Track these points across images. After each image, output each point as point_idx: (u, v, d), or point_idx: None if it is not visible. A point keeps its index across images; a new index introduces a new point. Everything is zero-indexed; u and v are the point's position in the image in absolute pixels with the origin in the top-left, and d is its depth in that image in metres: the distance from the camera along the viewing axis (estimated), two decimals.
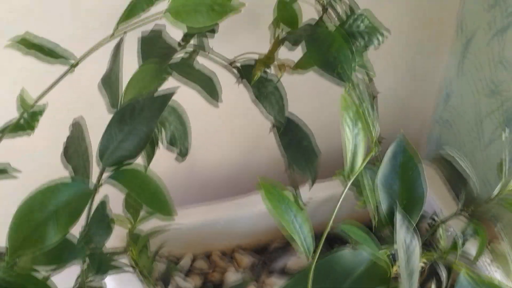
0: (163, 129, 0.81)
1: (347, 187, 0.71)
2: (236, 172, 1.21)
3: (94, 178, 0.74)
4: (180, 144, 0.82)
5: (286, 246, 1.15)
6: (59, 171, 0.75)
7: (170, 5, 0.72)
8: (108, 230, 0.74)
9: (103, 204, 0.74)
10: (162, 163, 0.84)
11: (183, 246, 1.10)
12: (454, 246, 1.02)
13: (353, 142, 0.71)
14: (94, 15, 0.99)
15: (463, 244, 1.00)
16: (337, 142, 1.22)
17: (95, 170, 0.74)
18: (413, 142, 1.31)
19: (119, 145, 0.73)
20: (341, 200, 0.71)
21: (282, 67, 0.87)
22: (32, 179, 0.73)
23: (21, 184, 0.76)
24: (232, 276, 1.10)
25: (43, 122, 0.79)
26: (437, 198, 1.11)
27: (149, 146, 0.84)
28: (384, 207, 0.75)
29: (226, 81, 0.89)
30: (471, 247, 1.03)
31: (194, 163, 1.17)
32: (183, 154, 0.83)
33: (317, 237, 1.15)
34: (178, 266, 1.10)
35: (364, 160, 0.72)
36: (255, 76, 0.87)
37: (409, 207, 0.76)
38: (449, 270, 1.03)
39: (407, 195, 0.76)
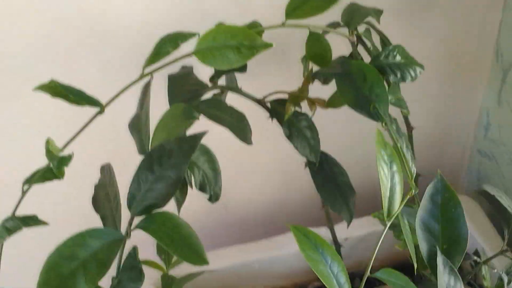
0: (192, 173, 0.78)
1: (385, 231, 0.68)
2: (271, 211, 1.19)
3: (123, 225, 0.73)
4: (211, 189, 0.80)
5: (323, 286, 1.12)
6: (91, 221, 0.73)
7: (196, 48, 0.70)
8: (139, 278, 0.72)
9: (133, 251, 0.72)
10: (195, 202, 0.82)
11: None
12: (499, 286, 0.98)
13: (389, 183, 0.68)
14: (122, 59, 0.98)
15: (509, 283, 0.96)
16: (371, 179, 1.19)
17: (125, 216, 0.73)
18: (452, 176, 1.29)
19: (146, 194, 0.71)
20: (379, 243, 0.68)
21: (313, 105, 0.85)
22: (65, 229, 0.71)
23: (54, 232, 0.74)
24: None
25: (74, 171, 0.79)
26: (479, 234, 1.08)
27: (179, 190, 0.82)
28: (424, 249, 0.72)
29: (258, 116, 0.87)
30: None
31: (228, 202, 1.15)
32: (214, 198, 0.81)
33: (353, 277, 1.12)
34: None
35: (401, 202, 0.69)
36: (287, 115, 0.85)
37: (450, 249, 0.73)
38: None
39: (449, 236, 0.73)
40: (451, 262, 0.71)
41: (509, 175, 1.12)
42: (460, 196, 1.16)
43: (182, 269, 1.01)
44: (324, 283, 0.62)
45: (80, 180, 0.81)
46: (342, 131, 1.12)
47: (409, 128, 0.96)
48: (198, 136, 0.70)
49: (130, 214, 0.72)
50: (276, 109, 0.88)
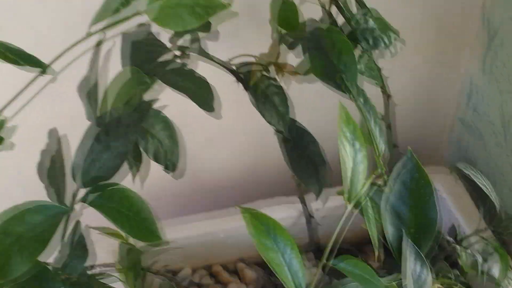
0: (146, 142, 0.73)
1: (347, 212, 0.63)
2: (241, 178, 1.13)
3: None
4: (167, 158, 0.74)
5: None
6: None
7: (148, 6, 0.64)
8: (84, 255, 0.67)
9: (76, 226, 0.67)
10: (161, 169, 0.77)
11: (181, 259, 1.03)
12: (474, 266, 0.93)
13: (352, 162, 0.62)
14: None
15: (484, 262, 0.91)
16: None
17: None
18: (432, 146, 1.23)
19: (92, 165, 0.66)
20: (341, 223, 0.63)
21: (280, 71, 0.79)
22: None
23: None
24: None
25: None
26: (458, 209, 1.03)
27: (133, 159, 0.77)
28: (390, 233, 0.67)
29: (229, 80, 0.81)
30: (495, 266, 0.95)
31: (196, 169, 1.09)
32: (170, 168, 0.75)
33: (323, 248, 1.07)
34: (176, 279, 1.02)
35: (365, 183, 0.63)
36: (252, 80, 0.79)
37: (419, 234, 0.68)
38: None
39: (417, 220, 0.68)
40: (418, 247, 0.67)
41: (491, 146, 1.07)
42: (440, 168, 1.12)
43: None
44: (275, 272, 0.57)
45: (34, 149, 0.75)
46: (316, 99, 1.06)
47: (386, 96, 0.91)
48: (148, 103, 0.65)
49: (76, 184, 0.67)
50: (243, 73, 0.82)
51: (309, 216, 1.02)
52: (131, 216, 0.66)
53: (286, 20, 0.71)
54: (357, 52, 0.73)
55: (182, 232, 1.00)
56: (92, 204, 0.65)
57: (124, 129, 0.64)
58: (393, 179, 0.68)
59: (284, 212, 1.04)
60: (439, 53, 1.08)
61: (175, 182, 1.01)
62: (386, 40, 0.71)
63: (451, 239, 0.88)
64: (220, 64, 0.82)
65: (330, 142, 0.99)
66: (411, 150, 0.69)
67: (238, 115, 1.01)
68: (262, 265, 1.07)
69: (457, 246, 0.88)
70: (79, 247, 0.66)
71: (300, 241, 1.08)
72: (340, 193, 0.81)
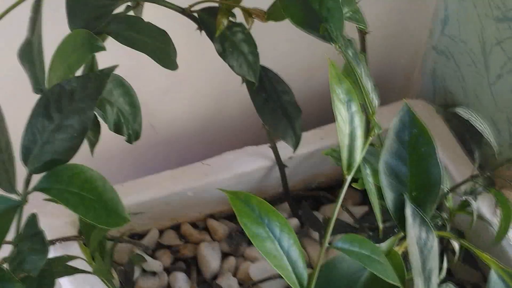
0: (104, 112, 0.63)
1: (346, 185, 0.55)
2: (205, 128, 1.04)
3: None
4: (129, 128, 0.65)
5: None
6: None
7: None
8: (42, 249, 0.58)
9: (33, 219, 0.58)
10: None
11: (146, 221, 0.95)
12: (462, 206, 0.87)
13: (348, 127, 0.54)
14: None
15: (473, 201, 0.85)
16: (314, 88, 1.06)
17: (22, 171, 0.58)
18: (405, 75, 1.16)
19: (44, 147, 0.56)
20: (341, 196, 0.56)
21: (249, 17, 0.69)
22: None
23: None
24: (208, 248, 0.95)
25: None
26: (444, 152, 0.96)
27: (91, 130, 0.67)
28: (389, 199, 0.60)
29: (186, 23, 0.72)
30: (483, 207, 0.90)
31: (156, 120, 1.00)
32: (133, 138, 0.66)
33: (298, 198, 1.01)
34: (143, 244, 0.94)
35: (363, 148, 0.56)
36: (218, 30, 0.70)
37: (421, 196, 0.61)
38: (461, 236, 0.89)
39: (419, 181, 0.61)
40: (422, 211, 0.60)
41: (470, 76, 1.00)
42: (414, 101, 1.05)
43: None
44: (272, 266, 0.49)
45: None
46: (285, 42, 0.97)
47: (363, 33, 0.82)
48: (106, 73, 0.55)
49: (27, 170, 0.58)
50: (206, 20, 0.73)
51: (282, 166, 0.94)
52: (95, 200, 0.58)
53: None
54: None
55: (146, 195, 0.92)
56: (47, 191, 0.56)
57: (80, 104, 0.54)
58: (390, 138, 0.60)
59: (255, 163, 0.96)
60: None
61: None
62: None
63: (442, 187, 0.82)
64: (180, 11, 0.72)
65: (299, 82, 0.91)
66: (406, 103, 0.61)
67: (196, 60, 0.91)
68: (232, 218, 1.00)
69: (449, 195, 0.81)
70: (37, 241, 0.57)
71: (274, 191, 1.01)
72: (329, 153, 0.74)
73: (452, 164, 0.95)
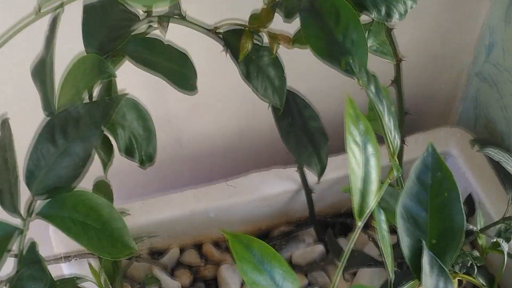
0: (115, 136, 0.61)
1: (357, 232, 0.52)
2: (232, 146, 1.02)
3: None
4: (141, 151, 0.63)
5: (291, 233, 0.97)
6: None
7: None
8: (42, 277, 0.56)
9: (33, 247, 0.56)
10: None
11: (167, 238, 0.93)
12: (495, 245, 0.83)
13: (362, 171, 0.51)
14: None
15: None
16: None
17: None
18: (445, 101, 1.11)
19: (49, 172, 0.55)
20: (352, 242, 0.52)
21: (274, 41, 0.67)
22: None
23: None
24: (228, 270, 0.92)
25: None
26: (480, 185, 0.92)
27: (103, 151, 0.65)
28: (405, 245, 0.56)
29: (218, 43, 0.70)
30: None
31: (181, 137, 0.98)
32: (146, 161, 0.64)
33: (325, 223, 0.97)
34: (162, 261, 0.92)
35: (378, 193, 0.52)
36: (242, 54, 0.67)
37: (441, 244, 0.57)
38: (490, 277, 0.85)
39: (439, 228, 0.57)
40: (441, 261, 0.56)
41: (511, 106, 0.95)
42: (453, 129, 1.00)
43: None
44: None
45: None
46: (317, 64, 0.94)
47: (397, 57, 0.78)
48: (114, 101, 0.53)
49: (32, 194, 0.56)
50: (231, 42, 0.70)
51: (309, 191, 0.91)
52: (99, 228, 0.56)
53: None
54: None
55: (168, 213, 0.90)
56: (49, 218, 0.55)
57: (85, 132, 0.53)
58: (411, 179, 0.57)
59: (281, 186, 0.93)
60: (454, 2, 0.95)
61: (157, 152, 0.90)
62: (401, 9, 0.59)
63: (472, 228, 0.78)
64: (205, 32, 0.70)
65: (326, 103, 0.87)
66: (431, 143, 0.58)
67: (226, 78, 0.89)
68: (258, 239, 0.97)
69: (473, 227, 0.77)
70: (36, 268, 0.56)
71: (300, 215, 0.98)
72: (346, 190, 0.70)
73: (488, 200, 0.91)
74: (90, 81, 0.54)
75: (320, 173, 0.78)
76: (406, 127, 0.86)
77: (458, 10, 0.97)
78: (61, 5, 0.58)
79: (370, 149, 0.52)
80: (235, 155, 1.03)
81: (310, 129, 0.77)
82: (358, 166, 0.51)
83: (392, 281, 0.54)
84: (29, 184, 0.55)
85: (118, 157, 0.67)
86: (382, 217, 0.54)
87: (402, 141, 0.85)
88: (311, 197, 0.92)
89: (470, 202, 0.94)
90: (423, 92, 1.06)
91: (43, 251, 0.81)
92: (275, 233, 0.98)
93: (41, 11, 0.53)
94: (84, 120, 0.53)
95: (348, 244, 0.53)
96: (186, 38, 0.69)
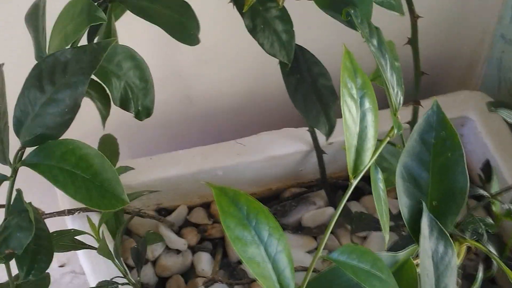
0: (109, 86, 0.59)
1: (350, 191, 0.50)
2: (244, 105, 1.00)
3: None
4: (137, 103, 0.61)
5: (302, 194, 0.95)
6: None
7: None
8: (29, 227, 0.55)
9: (19, 195, 0.55)
10: (157, 90, 0.64)
11: (174, 196, 0.91)
12: (509, 213, 0.81)
13: (357, 127, 0.49)
14: None
15: None
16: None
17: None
18: (467, 63, 1.08)
19: (36, 119, 0.53)
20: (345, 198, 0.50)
21: None
22: None
23: None
24: None
25: None
26: (497, 150, 0.88)
27: (100, 102, 0.64)
28: (404, 206, 0.54)
29: None
30: None
31: (191, 94, 0.96)
32: (143, 114, 0.62)
33: (336, 186, 0.95)
34: (169, 219, 0.91)
35: (375, 152, 0.50)
36: (246, 5, 0.64)
37: (442, 206, 0.55)
38: (502, 244, 0.83)
39: (440, 189, 0.55)
40: (442, 223, 0.54)
41: None
42: (474, 92, 0.97)
43: (130, 177, 0.84)
44: (253, 274, 0.44)
45: None
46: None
47: (413, 15, 0.75)
48: (103, 46, 0.51)
49: (20, 141, 0.55)
50: None
51: (320, 152, 0.88)
52: (89, 179, 0.54)
53: None
54: None
55: (174, 170, 0.88)
56: (36, 167, 0.53)
57: (72, 78, 0.51)
58: (413, 138, 0.54)
59: (292, 146, 0.91)
60: None
61: (162, 109, 0.89)
62: None
63: (484, 193, 0.75)
64: None
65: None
66: (436, 101, 0.55)
67: (238, 33, 0.86)
68: (266, 201, 0.95)
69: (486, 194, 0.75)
70: (23, 218, 0.54)
71: (311, 177, 0.95)
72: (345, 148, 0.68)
73: (505, 165, 0.88)
74: (78, 26, 0.52)
75: (329, 133, 0.76)
76: (425, 89, 0.83)
77: None
78: None
79: (367, 104, 0.49)
80: (247, 115, 1.01)
81: (319, 86, 0.75)
82: (353, 122, 0.49)
83: (387, 241, 0.52)
84: (17, 131, 0.54)
85: (126, 114, 0.65)
86: (379, 175, 0.51)
87: (417, 103, 0.82)
88: (322, 159, 0.90)
89: (487, 168, 0.91)
90: (444, 53, 1.03)
91: (51, 206, 0.81)
92: (285, 195, 0.96)
93: None
94: (71, 65, 0.51)
95: (341, 202, 0.50)
96: None
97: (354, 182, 0.50)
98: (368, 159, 0.49)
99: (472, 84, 1.06)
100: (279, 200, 0.95)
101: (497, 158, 0.89)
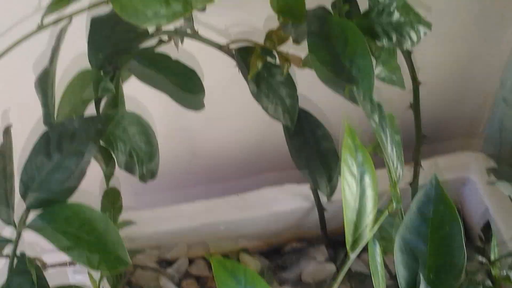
0: (115, 150, 0.61)
1: (348, 264, 0.51)
2: (247, 159, 1.01)
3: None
4: (143, 167, 0.62)
5: (303, 249, 0.96)
6: None
7: None
8: (31, 286, 0.56)
9: (22, 258, 0.56)
10: (161, 143, 0.65)
11: (176, 248, 0.92)
12: (508, 277, 0.81)
13: (357, 203, 0.50)
14: None
15: None
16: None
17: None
18: (470, 124, 1.09)
19: (42, 184, 0.54)
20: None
21: (285, 62, 0.66)
22: None
23: None
24: None
25: None
26: (497, 212, 0.89)
27: (104, 163, 0.65)
28: (402, 278, 0.55)
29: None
30: None
31: (195, 147, 0.97)
32: (148, 177, 0.64)
33: (336, 244, 0.96)
34: (170, 271, 0.92)
35: (373, 226, 0.51)
36: (251, 72, 0.66)
37: (440, 279, 0.55)
38: None
39: (438, 262, 0.55)
40: None
41: None
42: (475, 154, 0.98)
43: (132, 230, 0.85)
44: None
45: None
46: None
47: (415, 81, 0.76)
48: (109, 117, 0.53)
49: (25, 205, 0.56)
50: (243, 60, 0.69)
51: (322, 209, 0.89)
52: (94, 241, 0.55)
53: (289, 9, 0.57)
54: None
55: (177, 223, 0.89)
56: (40, 230, 0.55)
57: (79, 146, 0.52)
58: (412, 211, 0.55)
59: (294, 202, 0.92)
60: (481, 25, 0.93)
61: (166, 161, 0.90)
62: (413, 37, 0.57)
63: (482, 260, 0.76)
64: (217, 47, 0.69)
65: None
66: (436, 175, 0.56)
67: (243, 91, 0.88)
68: (267, 255, 0.96)
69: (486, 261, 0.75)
70: (26, 281, 0.56)
71: (312, 232, 0.96)
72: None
73: (505, 228, 0.89)
74: (87, 96, 0.53)
75: (330, 194, 0.77)
76: (428, 149, 0.84)
77: (485, 35, 0.95)
78: (69, 18, 0.57)
79: (367, 180, 0.50)
80: (250, 169, 1.02)
81: (322, 149, 0.76)
82: (353, 198, 0.50)
83: None
84: (23, 195, 0.55)
85: None
86: (377, 250, 0.52)
87: (418, 165, 0.83)
88: (323, 216, 0.91)
89: (487, 229, 0.92)
90: (447, 115, 1.04)
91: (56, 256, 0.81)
92: (286, 249, 0.97)
93: (44, 25, 0.53)
94: (79, 134, 0.52)
95: (342, 270, 0.51)
96: (202, 51, 0.69)
97: (353, 257, 0.50)
98: (367, 234, 0.50)
99: (474, 144, 1.07)
100: (280, 254, 0.96)
101: (497, 220, 0.90)
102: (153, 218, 0.89)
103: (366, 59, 0.54)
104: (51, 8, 0.53)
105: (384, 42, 0.58)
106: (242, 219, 0.90)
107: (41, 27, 0.53)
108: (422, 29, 0.58)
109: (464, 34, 0.94)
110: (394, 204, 0.53)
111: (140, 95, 0.74)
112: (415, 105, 0.78)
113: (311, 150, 0.76)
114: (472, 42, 0.95)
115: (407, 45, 0.58)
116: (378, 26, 0.58)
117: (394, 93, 0.66)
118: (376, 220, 0.51)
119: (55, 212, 0.55)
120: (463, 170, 0.95)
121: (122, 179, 0.80)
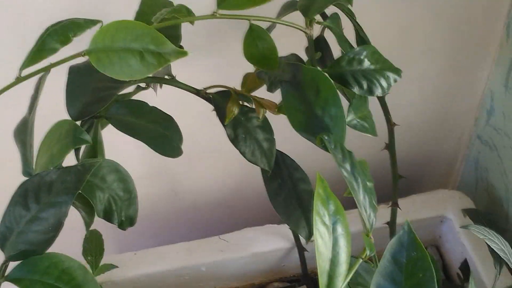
0: (93, 199, 0.61)
1: None
2: (228, 200, 1.02)
3: None
4: (121, 214, 0.63)
5: None
6: None
7: (90, 47, 0.52)
8: None
9: None
10: (144, 184, 0.66)
11: None
12: None
13: (330, 253, 0.51)
14: None
15: None
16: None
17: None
18: (446, 163, 1.10)
19: (20, 236, 0.55)
20: None
21: (261, 108, 0.67)
22: None
23: None
24: None
25: None
26: (475, 253, 0.90)
27: (85, 211, 0.65)
28: None
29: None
30: None
31: (177, 188, 0.98)
32: (126, 224, 0.64)
33: (317, 281, 0.96)
34: None
35: (347, 275, 0.52)
36: (228, 118, 0.67)
37: None
38: None
39: None
40: None
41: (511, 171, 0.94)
42: (452, 192, 0.99)
43: (114, 274, 0.86)
44: None
45: None
46: None
47: (390, 123, 0.78)
48: (86, 168, 0.53)
49: (5, 256, 0.57)
50: (219, 104, 0.70)
51: (302, 249, 0.90)
52: None
53: (262, 59, 0.59)
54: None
55: (158, 266, 0.90)
56: (18, 282, 0.55)
57: (57, 198, 0.53)
58: (385, 258, 0.56)
59: (274, 243, 0.93)
60: (458, 64, 0.95)
61: (148, 202, 0.91)
62: (384, 84, 0.59)
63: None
64: (194, 93, 0.70)
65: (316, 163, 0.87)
66: (408, 223, 0.57)
67: (223, 133, 0.89)
68: None
69: None
70: None
71: (294, 272, 0.97)
72: None
73: (482, 267, 0.90)
74: (64, 148, 0.54)
75: (308, 237, 0.77)
76: (406, 187, 0.85)
77: (460, 75, 0.97)
78: (47, 68, 0.58)
79: (339, 230, 0.51)
80: (231, 210, 1.03)
81: (299, 191, 0.77)
82: (326, 248, 0.50)
83: None
84: (2, 246, 0.55)
85: None
86: None
87: (396, 205, 0.85)
88: (304, 256, 0.91)
89: (465, 267, 0.93)
90: (424, 153, 1.06)
91: None
92: None
93: (22, 76, 0.54)
94: (56, 186, 0.53)
95: None
96: (181, 96, 0.70)
97: None
98: (341, 283, 0.51)
99: (451, 182, 1.09)
100: None
101: (474, 258, 0.91)
102: (135, 261, 0.89)
103: (337, 107, 0.55)
104: (26, 64, 0.54)
105: (356, 90, 0.59)
106: (223, 260, 0.91)
107: (20, 79, 0.53)
108: (392, 76, 0.59)
109: (439, 73, 0.96)
110: (368, 252, 0.54)
111: (120, 136, 0.74)
112: (391, 146, 0.79)
113: (288, 192, 0.76)
114: (446, 80, 0.97)
115: (378, 92, 0.59)
116: (348, 75, 0.59)
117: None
118: (350, 269, 0.52)
119: (34, 263, 0.55)
120: (440, 209, 0.96)
121: (104, 222, 0.81)
